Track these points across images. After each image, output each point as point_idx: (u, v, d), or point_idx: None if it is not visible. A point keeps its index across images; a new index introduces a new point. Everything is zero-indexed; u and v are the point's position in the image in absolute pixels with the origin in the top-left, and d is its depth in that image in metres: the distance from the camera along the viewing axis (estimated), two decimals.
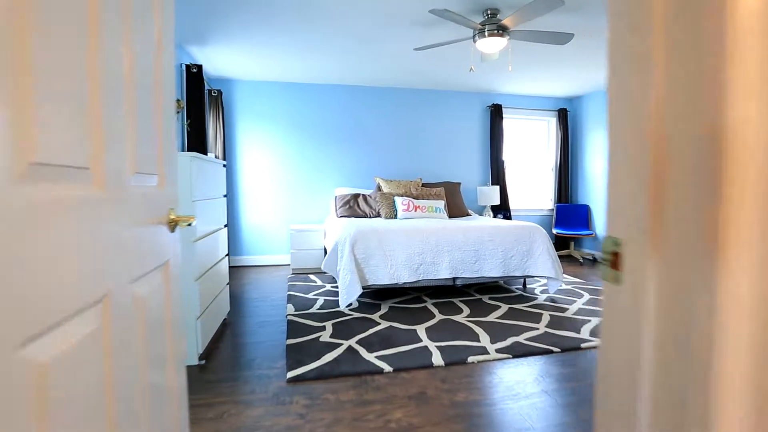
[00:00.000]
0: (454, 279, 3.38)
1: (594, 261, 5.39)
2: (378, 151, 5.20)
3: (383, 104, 5.17)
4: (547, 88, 5.20)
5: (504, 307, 3.29)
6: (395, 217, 4.40)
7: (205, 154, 3.85)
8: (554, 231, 5.50)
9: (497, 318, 3.02)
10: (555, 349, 2.44)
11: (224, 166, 2.99)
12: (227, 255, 4.64)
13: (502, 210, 5.46)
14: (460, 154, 5.45)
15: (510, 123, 5.67)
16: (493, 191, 5.22)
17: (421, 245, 3.28)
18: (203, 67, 4.35)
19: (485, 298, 3.55)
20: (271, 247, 5.07)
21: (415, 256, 3.24)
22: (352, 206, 4.62)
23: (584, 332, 2.72)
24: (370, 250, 3.20)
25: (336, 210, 4.62)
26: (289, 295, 3.66)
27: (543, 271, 3.46)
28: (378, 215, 4.57)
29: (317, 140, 5.07)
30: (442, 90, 5.29)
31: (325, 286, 3.97)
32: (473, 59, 4.07)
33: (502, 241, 3.47)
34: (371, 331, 2.76)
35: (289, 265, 4.96)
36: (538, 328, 2.80)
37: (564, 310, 3.22)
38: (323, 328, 2.80)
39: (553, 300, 3.51)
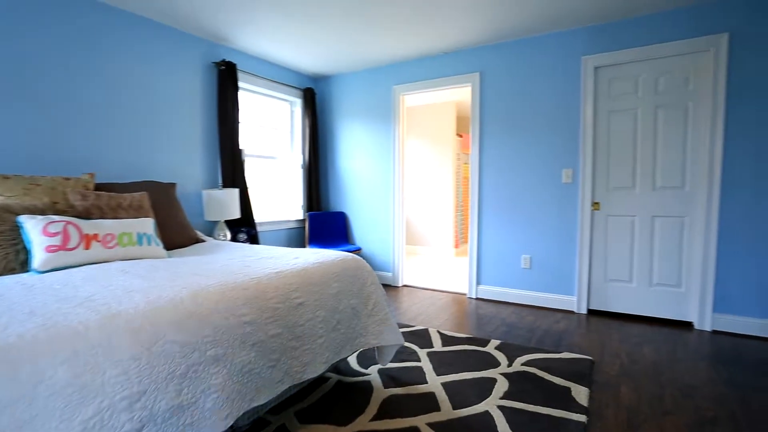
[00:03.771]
0: (233, 428, 1.36)
1: None
2: None
3: None
4: (293, 55, 3.72)
5: None
6: (27, 269, 1.74)
7: None
8: (309, 248, 4.12)
9: None
10: None
11: None
12: None
13: (244, 226, 3.56)
14: (171, 136, 3.13)
15: (247, 97, 3.83)
16: (230, 198, 3.26)
17: (134, 374, 1.07)
18: None
19: (292, 421, 1.71)
20: None
21: (121, 415, 1.01)
22: None
23: None
24: None
25: None
26: None
27: (383, 335, 1.98)
28: None
29: None
30: (132, 14, 2.81)
31: None
32: None
33: (320, 299, 1.74)
34: None
35: None
36: None
37: (428, 398, 1.87)
38: None
39: (395, 380, 2.09)
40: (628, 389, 1.99)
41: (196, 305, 1.28)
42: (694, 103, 2.83)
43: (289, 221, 4.23)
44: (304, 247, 4.32)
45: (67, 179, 2.22)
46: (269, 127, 4.15)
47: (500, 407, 1.80)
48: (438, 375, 2.13)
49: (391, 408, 1.81)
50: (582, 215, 3.17)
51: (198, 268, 1.70)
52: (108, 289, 1.36)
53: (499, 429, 1.63)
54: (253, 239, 3.51)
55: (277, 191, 4.28)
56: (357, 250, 4.13)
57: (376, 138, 4.20)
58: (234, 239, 3.40)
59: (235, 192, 3.30)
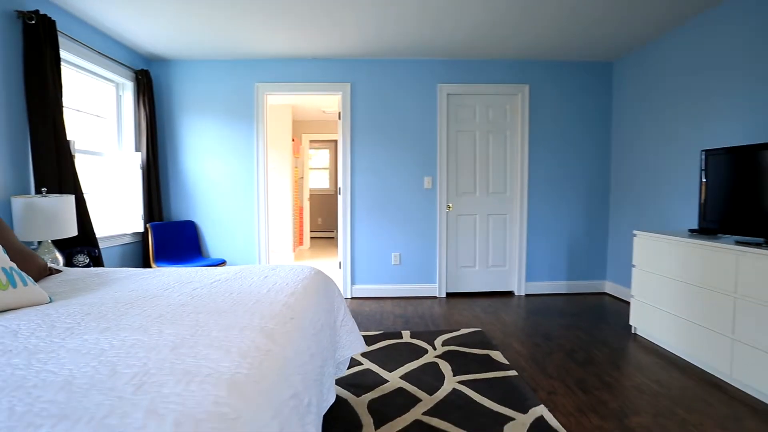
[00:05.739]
0: None
1: None
2: None
3: None
4: (127, 23, 2.98)
5: None
6: None
7: None
8: (156, 266, 3.41)
9: None
10: None
11: None
12: None
13: (82, 245, 2.64)
14: None
15: (69, 74, 2.80)
16: (63, 207, 2.38)
17: None
18: None
19: None
20: None
21: None
22: None
23: None
24: None
25: None
26: None
27: (353, 345, 1.98)
28: None
29: None
30: None
31: None
32: None
33: (324, 318, 1.64)
34: None
35: None
36: None
37: (404, 393, 2.02)
38: None
39: (359, 386, 2.11)
40: (518, 345, 2.67)
41: (294, 352, 1.06)
42: (510, 132, 3.89)
43: (124, 235, 3.34)
44: (149, 266, 3.49)
45: None
46: (89, 113, 3.16)
47: (460, 382, 2.13)
48: (390, 371, 2.28)
49: (382, 413, 1.86)
50: (440, 215, 3.85)
51: (170, 307, 1.31)
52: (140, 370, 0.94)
53: (474, 398, 1.96)
54: (97, 261, 2.65)
55: (105, 197, 3.30)
56: (221, 263, 3.65)
57: (234, 138, 3.81)
58: (70, 264, 2.49)
59: (70, 200, 2.42)
